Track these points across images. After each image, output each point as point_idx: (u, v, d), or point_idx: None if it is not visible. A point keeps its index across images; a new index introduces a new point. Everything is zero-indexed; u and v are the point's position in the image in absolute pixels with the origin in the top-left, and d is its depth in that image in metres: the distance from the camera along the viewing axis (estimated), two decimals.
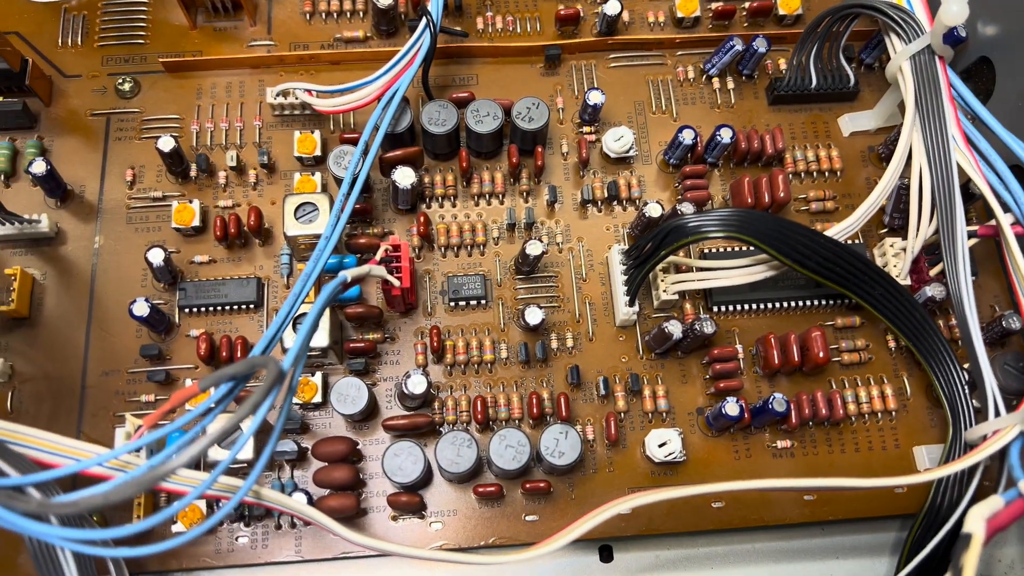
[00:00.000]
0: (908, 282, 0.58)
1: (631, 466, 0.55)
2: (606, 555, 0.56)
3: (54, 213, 0.60)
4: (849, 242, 0.61)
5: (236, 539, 0.53)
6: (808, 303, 0.59)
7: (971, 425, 0.53)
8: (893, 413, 0.57)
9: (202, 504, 0.51)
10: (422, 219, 0.59)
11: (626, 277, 0.57)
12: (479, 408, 0.55)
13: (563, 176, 0.63)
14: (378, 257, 0.53)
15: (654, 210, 0.56)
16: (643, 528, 0.54)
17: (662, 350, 0.57)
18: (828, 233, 0.55)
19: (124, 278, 0.58)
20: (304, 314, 0.49)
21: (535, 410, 0.55)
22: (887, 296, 0.55)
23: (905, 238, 0.58)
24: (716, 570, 0.56)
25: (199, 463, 0.50)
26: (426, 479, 0.54)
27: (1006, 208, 0.56)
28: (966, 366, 0.54)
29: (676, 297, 0.57)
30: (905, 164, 0.57)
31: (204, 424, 0.40)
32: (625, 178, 0.62)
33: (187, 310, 0.57)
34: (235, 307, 0.58)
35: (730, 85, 0.66)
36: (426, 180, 0.61)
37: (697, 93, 0.66)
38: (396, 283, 0.53)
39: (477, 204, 0.62)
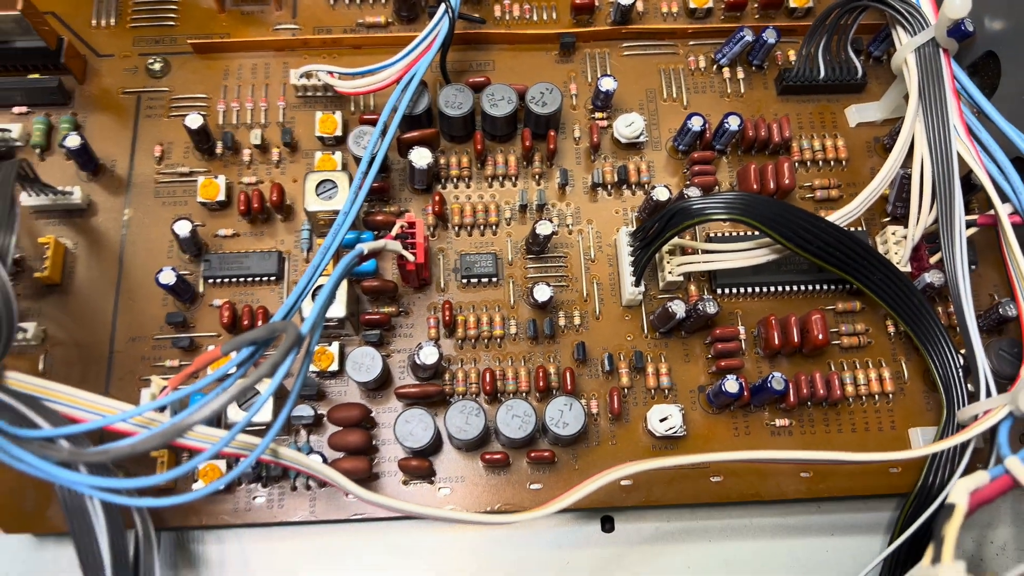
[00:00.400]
0: (908, 269, 0.59)
1: (633, 439, 0.57)
2: (608, 526, 0.58)
3: (86, 186, 0.62)
4: (851, 228, 0.62)
5: (254, 499, 0.55)
6: (810, 287, 0.61)
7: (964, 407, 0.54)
8: (890, 396, 0.59)
9: (222, 465, 0.53)
10: (437, 199, 0.61)
11: (632, 258, 0.59)
12: (488, 380, 0.57)
13: (575, 160, 0.64)
14: (394, 233, 0.55)
15: (661, 193, 0.58)
16: (643, 499, 0.56)
17: (666, 329, 0.58)
18: (830, 219, 0.56)
19: (152, 249, 0.61)
20: (322, 286, 0.51)
21: (542, 383, 0.57)
22: (887, 282, 0.56)
23: (907, 226, 0.59)
24: (714, 543, 0.58)
25: (219, 421, 0.52)
26: (435, 446, 0.56)
27: (1005, 199, 0.57)
28: (963, 352, 0.55)
29: (681, 279, 0.59)
30: (908, 154, 0.59)
31: (225, 386, 0.42)
32: (635, 163, 0.64)
33: (211, 281, 0.60)
34: (257, 279, 0.60)
35: (740, 75, 0.67)
36: (442, 161, 0.63)
37: (707, 82, 0.67)
38: (411, 257, 0.54)
39: (491, 185, 0.63)
